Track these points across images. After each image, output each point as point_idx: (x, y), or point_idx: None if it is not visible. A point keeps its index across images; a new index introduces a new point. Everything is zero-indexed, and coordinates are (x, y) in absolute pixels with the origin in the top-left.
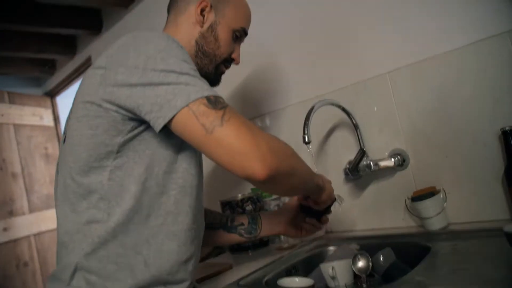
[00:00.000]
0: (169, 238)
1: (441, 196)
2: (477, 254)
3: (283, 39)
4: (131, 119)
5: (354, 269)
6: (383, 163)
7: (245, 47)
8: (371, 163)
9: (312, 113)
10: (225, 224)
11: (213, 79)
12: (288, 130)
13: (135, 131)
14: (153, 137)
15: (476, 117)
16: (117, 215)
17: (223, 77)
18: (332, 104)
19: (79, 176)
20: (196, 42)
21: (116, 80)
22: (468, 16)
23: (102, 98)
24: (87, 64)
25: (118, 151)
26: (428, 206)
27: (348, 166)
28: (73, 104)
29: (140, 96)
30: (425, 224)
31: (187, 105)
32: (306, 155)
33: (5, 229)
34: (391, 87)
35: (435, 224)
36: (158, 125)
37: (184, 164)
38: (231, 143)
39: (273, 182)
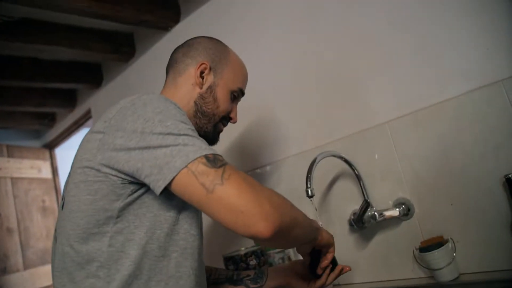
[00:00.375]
0: None
1: (450, 246)
2: None
3: (282, 91)
4: (130, 182)
5: None
6: (388, 213)
7: (244, 99)
8: (376, 213)
9: (314, 166)
10: (231, 278)
11: (212, 137)
12: (289, 181)
13: (135, 195)
14: (153, 200)
15: (478, 164)
16: (117, 281)
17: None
18: (334, 155)
19: (78, 243)
20: (195, 102)
21: (114, 144)
22: (463, 65)
23: (100, 163)
24: (87, 116)
25: (118, 216)
26: (437, 257)
27: (352, 217)
28: (71, 169)
29: (139, 160)
30: (436, 276)
31: (186, 166)
32: (309, 207)
33: None
34: (391, 137)
35: (446, 275)
36: (158, 187)
37: (185, 225)
38: (233, 202)
39: (278, 237)
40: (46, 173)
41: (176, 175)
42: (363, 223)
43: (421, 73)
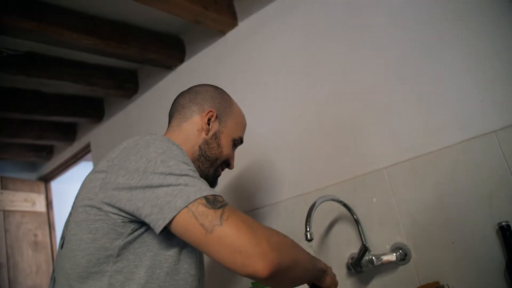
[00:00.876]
0: None
1: None
2: None
3: (282, 134)
4: (131, 221)
5: None
6: (385, 258)
7: (245, 141)
8: (373, 258)
9: (313, 210)
10: None
11: (212, 181)
12: (287, 224)
13: (136, 233)
14: (154, 239)
15: (473, 212)
16: None
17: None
18: (334, 200)
19: (77, 283)
20: (200, 147)
21: (117, 183)
22: (459, 116)
23: (102, 201)
24: (86, 150)
25: (118, 255)
26: None
27: (350, 261)
28: (72, 208)
29: (140, 199)
30: None
31: (186, 206)
32: (308, 251)
33: None
34: (389, 182)
35: None
36: (158, 226)
37: (185, 265)
38: (231, 242)
39: (275, 277)
40: (40, 206)
41: (176, 215)
42: (361, 267)
43: (418, 122)
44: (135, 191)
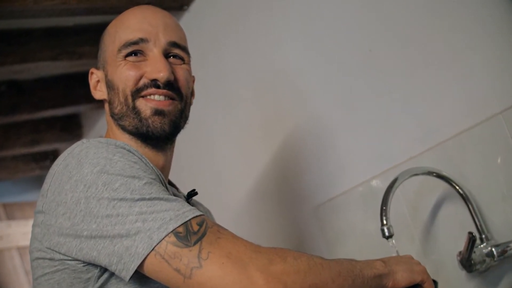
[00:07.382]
0: None
1: None
2: None
3: (337, 82)
4: (94, 265)
5: None
6: None
7: (295, 116)
8: (493, 250)
9: (391, 194)
10: None
11: (150, 128)
12: (371, 214)
13: (106, 275)
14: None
15: None
16: None
17: (272, 161)
18: (419, 173)
19: None
20: (112, 117)
21: (60, 227)
22: None
23: (51, 249)
24: None
25: None
26: None
27: (458, 257)
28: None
29: (92, 248)
30: None
31: (152, 249)
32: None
33: None
34: (508, 131)
35: None
36: (123, 277)
37: None
38: (217, 286)
39: None
40: None
41: (141, 262)
42: (473, 265)
43: None
44: (83, 238)
